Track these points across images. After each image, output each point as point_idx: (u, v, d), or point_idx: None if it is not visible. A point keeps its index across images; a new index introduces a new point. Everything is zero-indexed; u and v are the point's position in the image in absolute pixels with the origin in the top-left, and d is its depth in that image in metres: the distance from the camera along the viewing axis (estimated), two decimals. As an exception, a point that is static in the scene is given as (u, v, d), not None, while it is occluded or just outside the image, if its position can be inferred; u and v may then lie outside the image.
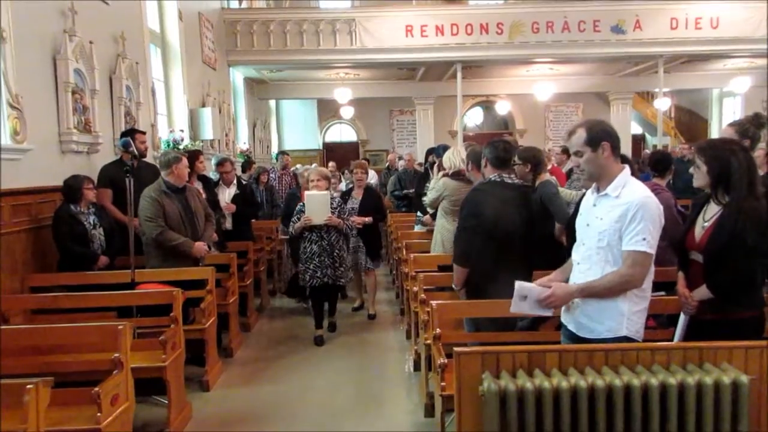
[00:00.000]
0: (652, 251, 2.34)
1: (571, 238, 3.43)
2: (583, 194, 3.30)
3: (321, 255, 5.25)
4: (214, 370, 4.51)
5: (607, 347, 2.31)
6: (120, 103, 6.05)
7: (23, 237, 4.33)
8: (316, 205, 5.15)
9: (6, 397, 2.29)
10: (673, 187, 5.21)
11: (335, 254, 5.29)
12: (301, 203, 5.33)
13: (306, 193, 5.26)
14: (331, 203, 5.27)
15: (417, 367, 4.58)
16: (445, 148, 5.87)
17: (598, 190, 2.52)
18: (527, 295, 2.58)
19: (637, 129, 18.12)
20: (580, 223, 2.62)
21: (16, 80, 4.27)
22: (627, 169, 2.49)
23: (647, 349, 2.30)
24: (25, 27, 4.45)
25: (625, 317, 2.41)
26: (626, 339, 2.41)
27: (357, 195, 6.29)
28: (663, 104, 12.87)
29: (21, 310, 4.02)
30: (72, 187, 4.41)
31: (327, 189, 5.35)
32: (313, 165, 11.38)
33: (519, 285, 2.59)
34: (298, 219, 5.26)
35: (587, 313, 2.49)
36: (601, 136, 2.46)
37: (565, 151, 8.83)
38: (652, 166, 4.28)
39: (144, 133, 5.67)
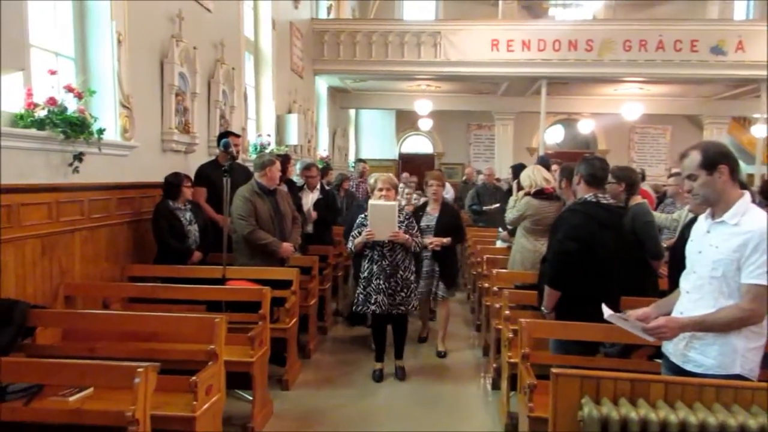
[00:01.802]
0: None
1: (674, 266, 3.30)
2: (691, 219, 3.16)
3: (379, 277, 4.53)
4: (294, 370, 4.60)
5: (719, 383, 2.18)
6: (216, 106, 6.32)
7: (125, 229, 4.58)
8: (381, 217, 4.43)
9: (115, 378, 2.42)
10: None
11: (397, 277, 4.54)
12: (363, 215, 4.63)
13: (370, 202, 4.55)
14: (399, 216, 4.54)
15: (495, 385, 4.50)
16: (544, 160, 5.73)
17: (712, 216, 2.40)
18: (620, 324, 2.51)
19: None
20: (691, 249, 2.49)
21: (128, 81, 4.54)
22: (747, 195, 2.35)
23: (763, 390, 2.15)
24: (138, 31, 4.72)
25: (739, 354, 2.26)
26: (738, 377, 2.26)
27: (432, 212, 5.38)
28: (763, 131, 12.14)
29: (120, 297, 4.24)
30: (172, 184, 4.63)
31: (395, 200, 4.70)
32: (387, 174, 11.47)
33: (609, 316, 2.51)
34: (359, 234, 4.56)
35: (696, 347, 2.35)
36: (718, 158, 2.34)
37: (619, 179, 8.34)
38: (766, 195, 4.03)
39: (239, 136, 5.88)
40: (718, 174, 2.32)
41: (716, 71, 10.83)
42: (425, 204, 5.52)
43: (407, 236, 4.53)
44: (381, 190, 4.60)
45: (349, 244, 4.64)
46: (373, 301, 4.53)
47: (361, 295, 4.60)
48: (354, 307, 4.72)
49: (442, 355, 5.36)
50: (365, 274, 4.61)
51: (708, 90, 13.27)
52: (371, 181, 4.84)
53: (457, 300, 6.71)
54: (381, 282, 4.51)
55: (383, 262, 4.53)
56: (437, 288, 5.33)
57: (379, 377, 4.67)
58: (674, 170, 5.85)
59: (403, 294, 4.55)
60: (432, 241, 5.11)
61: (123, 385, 2.34)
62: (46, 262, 3.64)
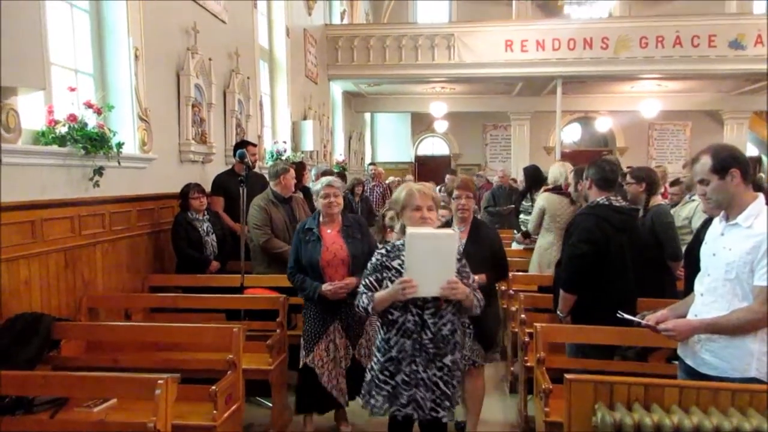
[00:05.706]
0: None
1: (689, 268, 3.28)
2: (706, 220, 3.15)
3: (416, 362, 2.58)
4: (312, 377, 4.63)
5: (735, 387, 2.17)
6: (232, 115, 6.41)
7: (145, 240, 4.68)
8: (429, 257, 2.45)
9: (137, 390, 2.48)
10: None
11: (445, 362, 2.60)
12: (383, 249, 2.71)
13: (409, 231, 2.49)
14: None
15: (513, 388, 4.50)
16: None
17: (726, 219, 2.39)
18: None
19: (752, 151, 16.89)
20: (705, 252, 2.48)
21: (145, 95, 4.63)
22: (761, 198, 2.34)
23: (780, 393, 2.14)
24: (154, 46, 4.82)
25: (754, 357, 2.25)
26: (754, 381, 2.25)
27: (460, 235, 3.48)
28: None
29: (141, 308, 4.32)
30: (181, 194, 4.73)
31: (435, 223, 2.70)
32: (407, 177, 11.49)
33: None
34: (377, 282, 2.64)
35: (711, 350, 2.35)
36: (729, 162, 2.33)
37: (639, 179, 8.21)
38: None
39: (255, 145, 5.96)
40: (729, 178, 2.32)
41: (736, 66, 10.66)
42: (448, 223, 3.70)
43: (466, 289, 2.59)
44: (419, 209, 2.62)
45: (363, 301, 2.63)
46: (406, 401, 2.59)
47: (382, 390, 2.64)
48: (369, 407, 2.71)
49: None
50: (393, 353, 2.62)
51: (727, 85, 13.08)
52: (402, 195, 2.69)
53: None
54: (419, 370, 2.58)
55: (423, 335, 2.58)
56: (470, 350, 3.50)
57: None
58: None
59: (453, 386, 2.64)
60: None
61: (144, 396, 2.40)
62: (70, 275, 3.74)
